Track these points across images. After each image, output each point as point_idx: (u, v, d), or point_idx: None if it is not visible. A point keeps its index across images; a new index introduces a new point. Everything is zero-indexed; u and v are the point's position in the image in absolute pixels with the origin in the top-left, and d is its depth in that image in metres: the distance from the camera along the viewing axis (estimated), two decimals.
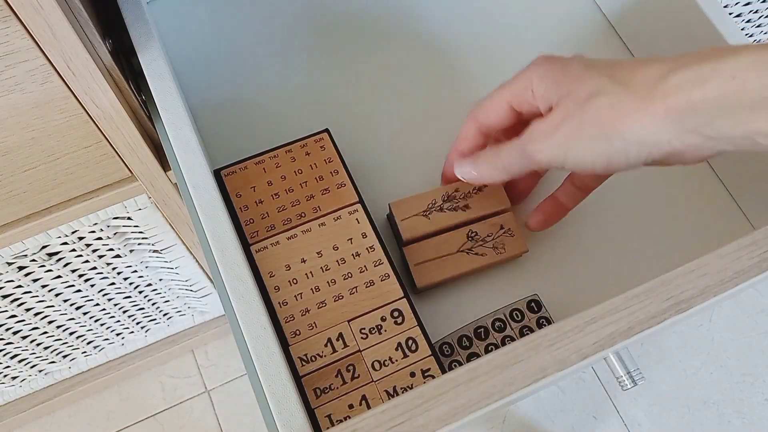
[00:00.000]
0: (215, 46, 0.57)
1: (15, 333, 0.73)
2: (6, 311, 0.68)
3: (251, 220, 0.45)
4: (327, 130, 0.49)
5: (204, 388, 0.98)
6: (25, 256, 0.61)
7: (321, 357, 0.41)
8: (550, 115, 0.36)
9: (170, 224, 0.65)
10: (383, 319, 0.43)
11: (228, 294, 0.39)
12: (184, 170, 0.43)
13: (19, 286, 0.66)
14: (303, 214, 0.46)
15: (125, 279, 0.74)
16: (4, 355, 0.77)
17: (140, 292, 0.79)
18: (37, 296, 0.68)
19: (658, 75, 0.32)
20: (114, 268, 0.71)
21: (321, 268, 0.44)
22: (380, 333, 0.42)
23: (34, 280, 0.66)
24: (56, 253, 0.63)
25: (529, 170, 0.40)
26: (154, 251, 0.71)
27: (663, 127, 0.31)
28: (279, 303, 0.43)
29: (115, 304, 0.78)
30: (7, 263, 0.61)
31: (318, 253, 0.44)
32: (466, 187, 0.47)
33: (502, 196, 0.47)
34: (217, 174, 0.47)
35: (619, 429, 0.98)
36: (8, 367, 0.80)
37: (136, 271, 0.74)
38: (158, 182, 0.56)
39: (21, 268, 0.63)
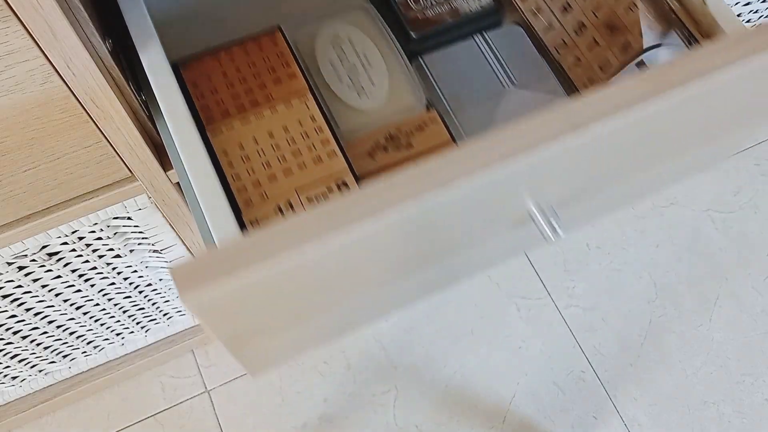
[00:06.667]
0: None
1: (15, 333, 0.73)
2: (6, 311, 0.68)
3: (207, 107, 0.49)
4: (279, 27, 0.52)
5: (204, 388, 0.98)
6: (25, 256, 0.61)
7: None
8: None
9: (170, 224, 0.65)
10: (330, 190, 0.47)
11: (184, 166, 0.43)
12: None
13: (19, 286, 0.66)
14: (256, 102, 0.50)
15: (125, 279, 0.74)
16: (4, 355, 0.77)
17: (140, 292, 0.79)
18: (37, 296, 0.68)
19: None
20: (114, 268, 0.71)
21: (272, 146, 0.48)
22: (327, 201, 0.46)
23: (34, 280, 0.66)
24: (56, 253, 0.63)
25: None
26: (154, 251, 0.71)
27: None
28: (232, 176, 0.47)
29: (115, 304, 0.78)
30: (7, 263, 0.61)
31: (269, 133, 0.48)
32: (408, 126, 0.50)
33: (443, 131, 0.50)
34: (176, 67, 0.50)
35: (619, 429, 0.98)
36: (8, 367, 0.80)
37: (136, 271, 0.74)
38: (158, 182, 0.56)
39: (21, 268, 0.63)
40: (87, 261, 0.67)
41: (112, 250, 0.67)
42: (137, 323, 0.86)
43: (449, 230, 0.38)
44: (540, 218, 0.39)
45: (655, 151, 0.42)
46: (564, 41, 0.55)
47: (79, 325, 0.79)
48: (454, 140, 0.50)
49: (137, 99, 0.49)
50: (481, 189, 0.34)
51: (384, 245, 0.35)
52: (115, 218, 0.61)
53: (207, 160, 0.43)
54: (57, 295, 0.70)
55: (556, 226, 0.39)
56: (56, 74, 0.42)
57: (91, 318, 0.78)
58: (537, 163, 0.34)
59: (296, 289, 0.35)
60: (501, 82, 0.54)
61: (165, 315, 0.88)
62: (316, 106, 0.50)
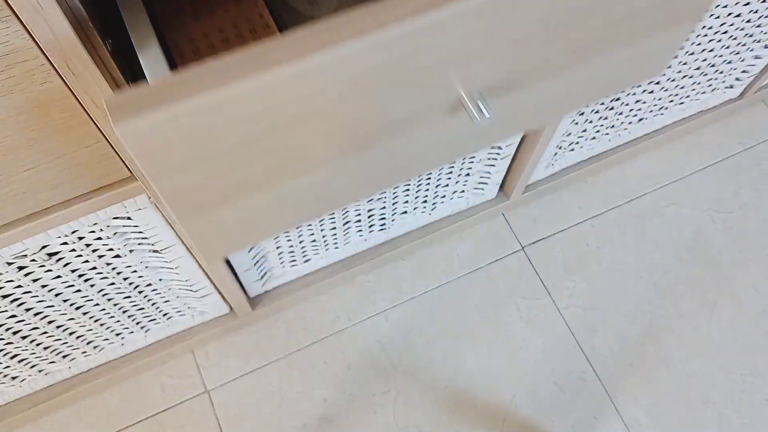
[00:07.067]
0: None
1: (15, 333, 0.73)
2: (6, 311, 0.68)
3: (161, 2, 0.52)
4: None
5: (204, 388, 0.98)
6: (25, 256, 0.61)
7: None
8: None
9: (170, 224, 0.65)
10: None
11: (141, 61, 0.45)
12: None
13: (19, 286, 0.66)
14: (209, 1, 0.52)
15: (125, 279, 0.74)
16: (4, 355, 0.77)
17: (140, 292, 0.79)
18: (37, 296, 0.68)
19: None
20: (114, 268, 0.71)
21: (221, 40, 0.51)
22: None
23: (34, 280, 0.66)
24: (56, 253, 0.63)
25: None
26: (154, 251, 0.71)
27: None
28: (183, 67, 0.49)
29: (115, 305, 0.78)
30: (7, 263, 0.61)
31: (219, 29, 0.51)
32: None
33: None
34: None
35: (619, 429, 0.98)
36: (8, 367, 0.80)
37: (135, 271, 0.74)
38: None
39: (21, 268, 0.63)
40: (87, 261, 0.67)
41: (111, 250, 0.67)
42: (137, 323, 0.86)
43: (379, 101, 0.39)
44: (467, 101, 0.41)
45: (571, 38, 0.43)
46: None
47: (79, 325, 0.79)
48: None
49: None
50: (397, 42, 0.36)
51: (313, 99, 0.36)
52: (114, 218, 0.61)
53: (163, 57, 0.46)
54: (57, 295, 0.70)
55: (482, 107, 0.41)
56: (56, 74, 0.42)
57: (91, 318, 0.78)
58: (449, 22, 0.36)
59: (230, 139, 0.36)
60: None
61: (165, 315, 0.88)
62: (264, 5, 0.53)
